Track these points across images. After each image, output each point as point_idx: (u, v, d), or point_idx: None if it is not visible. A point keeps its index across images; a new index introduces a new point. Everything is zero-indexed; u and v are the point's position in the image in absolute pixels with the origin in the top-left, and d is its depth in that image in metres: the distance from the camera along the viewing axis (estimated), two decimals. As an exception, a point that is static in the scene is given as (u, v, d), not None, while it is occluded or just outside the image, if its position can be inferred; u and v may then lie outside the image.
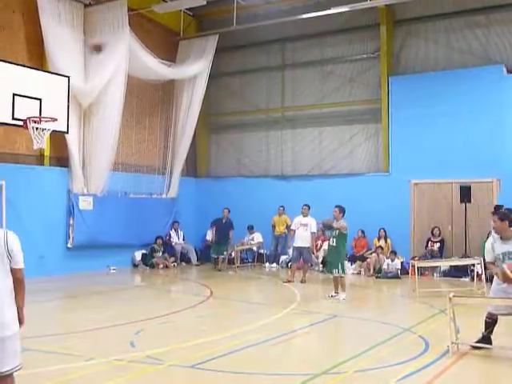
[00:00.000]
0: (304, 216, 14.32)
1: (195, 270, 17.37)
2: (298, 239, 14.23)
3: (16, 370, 4.54)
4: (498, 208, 12.18)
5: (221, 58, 19.32)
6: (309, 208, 14.46)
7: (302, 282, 14.08)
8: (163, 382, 6.35)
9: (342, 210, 11.91)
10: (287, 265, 17.43)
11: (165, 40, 18.86)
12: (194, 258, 18.35)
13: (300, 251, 14.30)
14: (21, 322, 4.60)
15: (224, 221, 17.61)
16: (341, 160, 18.30)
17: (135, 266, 17.34)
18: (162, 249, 17.72)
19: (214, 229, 17.73)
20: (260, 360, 7.17)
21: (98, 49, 12.35)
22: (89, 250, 15.67)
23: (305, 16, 17.07)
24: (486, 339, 7.46)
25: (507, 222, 7.28)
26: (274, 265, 17.80)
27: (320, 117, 18.77)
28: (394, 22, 17.46)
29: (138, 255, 17.46)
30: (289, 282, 14.04)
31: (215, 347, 7.69)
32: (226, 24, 18.09)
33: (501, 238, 7.30)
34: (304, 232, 14.18)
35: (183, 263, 18.24)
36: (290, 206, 17.98)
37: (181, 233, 18.80)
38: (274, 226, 18.31)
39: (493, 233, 7.58)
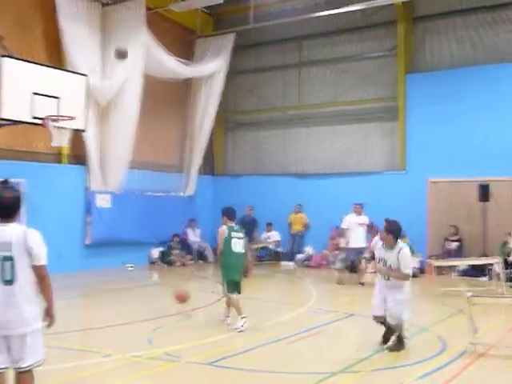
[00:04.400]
0: (358, 215, 13.94)
1: (212, 268, 17.41)
2: (356, 239, 13.59)
3: (36, 366, 4.60)
4: None
5: (237, 56, 19.33)
6: (362, 207, 14.12)
7: (360, 284, 13.26)
8: (180, 378, 6.39)
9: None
10: (303, 263, 17.43)
11: (182, 39, 18.92)
12: (210, 255, 18.41)
13: (357, 251, 13.77)
14: (50, 317, 4.67)
15: (248, 219, 17.68)
16: (357, 158, 18.23)
17: (152, 263, 17.44)
18: (179, 246, 17.80)
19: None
20: (277, 358, 7.18)
21: (122, 56, 12.44)
22: (106, 247, 15.79)
23: (321, 14, 17.04)
24: None
25: None
26: (291, 263, 17.79)
27: (336, 115, 18.72)
28: (411, 19, 17.35)
29: (156, 253, 17.55)
30: (362, 284, 13.20)
31: (232, 344, 7.72)
32: (242, 22, 18.10)
33: None
34: (362, 232, 13.73)
35: (200, 261, 18.29)
36: (307, 204, 17.99)
37: (198, 231, 18.85)
38: (290, 224, 18.31)
39: None
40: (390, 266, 7.49)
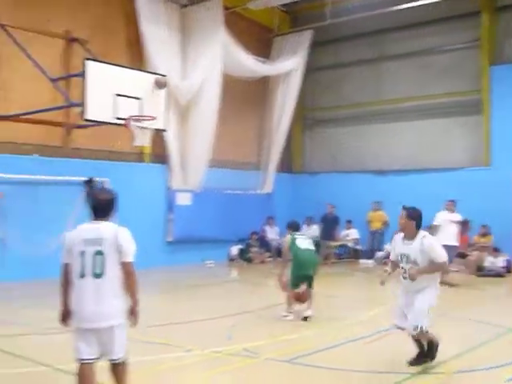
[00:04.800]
0: (451, 212, 13.56)
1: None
2: (446, 237, 12.82)
3: (120, 361, 4.84)
4: None
5: (315, 53, 19.22)
6: (455, 204, 13.73)
7: (451, 285, 12.52)
8: (260, 375, 6.43)
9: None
10: (382, 261, 17.14)
11: (259, 37, 19.02)
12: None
13: (447, 250, 13.26)
14: (134, 316, 4.88)
15: (330, 216, 17.59)
16: (438, 154, 17.75)
17: (231, 260, 17.65)
18: (258, 244, 17.93)
19: (321, 225, 17.82)
20: (355, 357, 7.10)
21: (162, 85, 12.74)
22: (187, 244, 16.12)
23: (401, 7, 16.68)
24: None
25: None
26: (370, 261, 17.53)
27: (416, 110, 18.28)
28: (496, 8, 16.71)
29: (235, 250, 17.74)
30: (453, 285, 12.68)
31: (311, 342, 7.69)
32: (319, 18, 17.97)
33: None
34: (453, 229, 13.33)
35: (278, 258, 18.31)
36: (386, 201, 17.66)
37: (276, 228, 18.91)
38: (369, 222, 18.05)
39: None
40: (415, 261, 6.38)
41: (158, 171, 16.19)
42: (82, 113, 11.68)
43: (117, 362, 4.87)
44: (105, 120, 12.09)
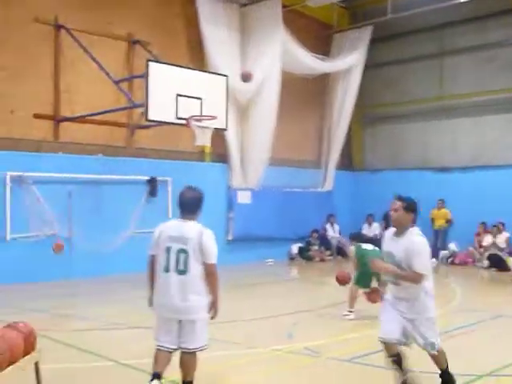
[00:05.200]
0: None
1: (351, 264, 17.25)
2: None
3: (200, 350, 5.14)
4: None
5: (375, 49, 18.98)
6: None
7: None
8: (321, 374, 6.39)
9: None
10: (447, 260, 16.78)
11: (318, 34, 18.93)
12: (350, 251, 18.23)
13: None
14: (214, 310, 5.13)
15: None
16: (504, 150, 17.20)
17: (291, 258, 17.63)
18: (318, 242, 17.85)
19: (384, 222, 17.57)
20: (421, 358, 6.94)
21: (248, 78, 12.73)
22: (247, 242, 16.20)
23: (463, 0, 16.25)
24: None
25: None
26: (433, 260, 17.14)
27: (481, 105, 17.78)
28: None
29: (295, 248, 17.72)
30: None
31: (372, 342, 7.56)
32: (380, 14, 17.73)
33: None
34: None
35: (339, 256, 18.21)
36: (450, 198, 17.27)
37: (336, 226, 18.78)
38: (432, 220, 17.68)
39: None
40: (399, 262, 5.21)
41: (218, 170, 16.35)
42: (145, 113, 11.94)
43: (189, 352, 5.08)
44: (166, 120, 12.32)
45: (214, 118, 12.60)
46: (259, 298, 11.21)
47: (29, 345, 4.35)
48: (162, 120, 12.35)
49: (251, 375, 6.32)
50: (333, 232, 18.65)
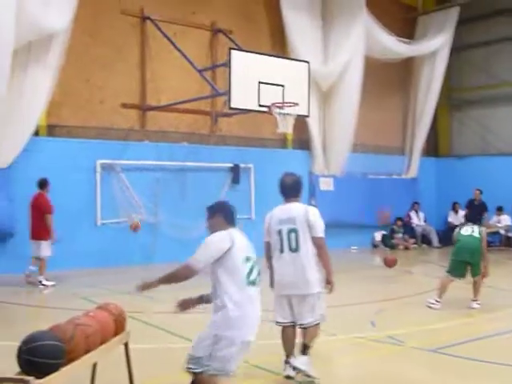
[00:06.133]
0: None
1: (436, 253, 16.86)
2: None
3: (316, 324, 5.43)
4: None
5: (462, 30, 18.31)
6: None
7: None
8: (404, 363, 6.30)
9: None
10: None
11: (402, 17, 18.48)
12: (435, 239, 17.79)
13: None
14: (330, 284, 5.47)
15: (476, 203, 16.80)
16: None
17: (375, 246, 17.42)
18: (402, 230, 17.53)
19: (467, 211, 17.04)
20: (507, 350, 6.73)
21: (391, 263, 12.64)
22: (330, 229, 15.92)
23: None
24: None
25: None
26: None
27: None
28: None
29: (378, 236, 17.49)
30: None
31: (457, 332, 7.42)
32: (467, -6, 17.09)
33: None
34: None
35: (424, 245, 17.82)
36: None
37: (421, 214, 18.37)
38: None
39: None
40: None
41: (300, 157, 16.33)
42: (227, 101, 12.08)
43: (306, 326, 5.40)
44: (249, 108, 12.42)
45: (295, 104, 12.57)
46: (341, 286, 11.09)
47: (119, 325, 4.52)
48: (245, 108, 12.46)
49: (334, 362, 6.32)
50: (417, 220, 18.25)
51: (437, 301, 8.80)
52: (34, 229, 10.65)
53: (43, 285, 10.57)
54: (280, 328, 5.57)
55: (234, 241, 4.27)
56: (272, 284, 5.59)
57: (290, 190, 5.57)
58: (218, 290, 4.27)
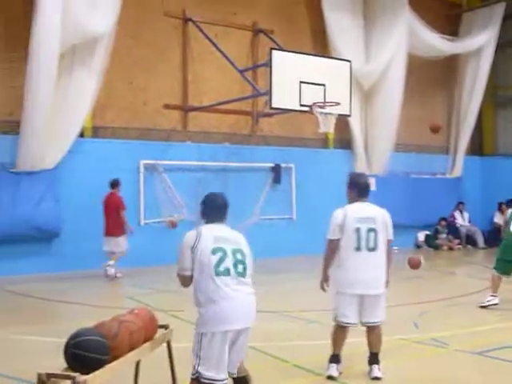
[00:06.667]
0: None
1: (482, 254, 16.53)
2: None
3: (380, 324, 5.57)
4: None
5: (508, 27, 17.91)
6: None
7: None
8: (448, 366, 6.19)
9: None
10: None
11: (445, 14, 18.20)
12: (480, 240, 17.44)
13: None
14: (387, 284, 5.65)
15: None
16: None
17: (418, 246, 17.18)
18: (446, 230, 17.25)
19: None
20: None
21: (436, 129, 12.51)
22: (372, 229, 15.96)
23: None
24: None
25: None
26: None
27: None
28: None
29: (421, 236, 17.25)
30: None
31: (504, 335, 7.25)
32: (513, -11, 16.71)
33: None
34: None
35: (468, 246, 17.49)
36: None
37: (466, 214, 18.04)
38: None
39: None
40: None
41: (342, 157, 16.23)
42: (269, 101, 12.10)
43: (374, 325, 5.52)
44: (290, 107, 12.42)
45: (337, 104, 12.51)
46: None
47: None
48: (286, 107, 12.46)
49: (376, 363, 6.25)
50: (462, 220, 17.93)
51: (492, 295, 8.60)
52: (110, 226, 11.37)
53: (116, 276, 11.30)
54: (333, 327, 5.59)
55: (200, 236, 4.15)
56: (326, 282, 5.61)
57: (366, 189, 5.72)
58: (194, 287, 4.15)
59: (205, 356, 3.96)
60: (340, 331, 5.55)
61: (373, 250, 5.46)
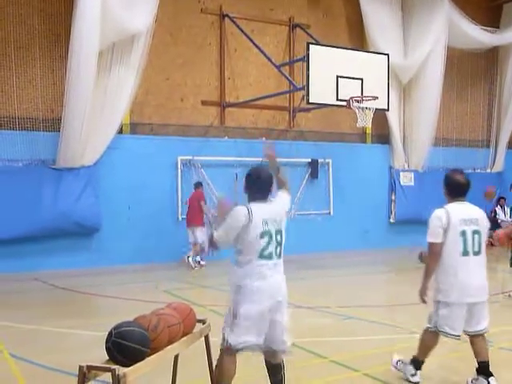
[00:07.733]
0: None
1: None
2: None
3: (484, 332, 5.16)
4: None
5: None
6: None
7: None
8: (493, 363, 6.07)
9: None
10: None
11: (486, 5, 17.79)
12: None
13: None
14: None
15: None
16: None
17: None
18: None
19: None
20: None
21: (489, 195, 12.39)
22: (410, 225, 15.72)
23: None
24: None
25: None
26: None
27: None
28: None
29: (461, 232, 16.94)
30: None
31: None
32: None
33: None
34: None
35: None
36: None
37: (507, 209, 17.65)
38: None
39: None
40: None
41: (380, 151, 16.06)
42: (306, 96, 12.04)
43: (479, 333, 5.13)
44: (327, 102, 12.34)
45: (375, 98, 12.38)
46: (419, 283, 10.86)
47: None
48: (323, 102, 12.38)
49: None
50: (503, 216, 17.55)
51: None
52: (192, 217, 12.40)
53: (201, 265, 12.43)
54: (429, 332, 5.29)
55: (252, 216, 4.28)
56: (425, 290, 5.19)
57: (466, 189, 5.25)
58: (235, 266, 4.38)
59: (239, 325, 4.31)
60: (437, 340, 5.26)
61: (478, 253, 5.06)
